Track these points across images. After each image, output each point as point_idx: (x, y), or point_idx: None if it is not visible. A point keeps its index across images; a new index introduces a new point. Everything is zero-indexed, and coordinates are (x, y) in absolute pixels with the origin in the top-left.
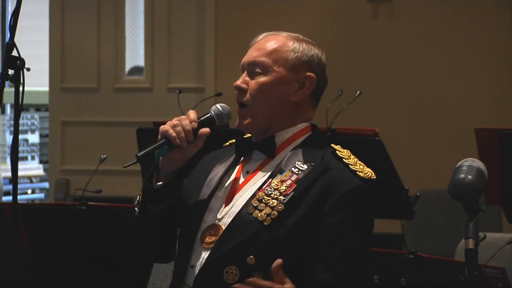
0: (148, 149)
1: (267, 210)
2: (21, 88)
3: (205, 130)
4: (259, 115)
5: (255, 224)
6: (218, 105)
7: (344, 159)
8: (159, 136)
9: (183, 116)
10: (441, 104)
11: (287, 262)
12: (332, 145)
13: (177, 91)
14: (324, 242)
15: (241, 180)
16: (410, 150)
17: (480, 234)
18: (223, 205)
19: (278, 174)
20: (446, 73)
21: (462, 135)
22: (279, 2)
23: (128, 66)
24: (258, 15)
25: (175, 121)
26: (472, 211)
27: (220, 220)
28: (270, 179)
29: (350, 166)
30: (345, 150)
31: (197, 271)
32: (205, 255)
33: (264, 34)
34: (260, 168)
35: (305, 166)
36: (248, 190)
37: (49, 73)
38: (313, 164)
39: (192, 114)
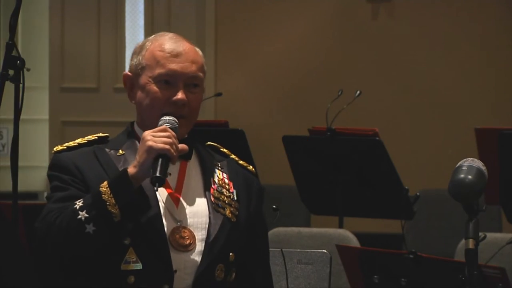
0: (163, 168)
1: (228, 207)
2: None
3: (185, 147)
4: (190, 126)
5: (227, 222)
6: (167, 119)
7: (230, 156)
8: (155, 154)
9: (168, 133)
10: (441, 104)
11: (250, 253)
12: (209, 143)
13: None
14: (258, 236)
15: (173, 181)
16: (410, 150)
17: (480, 234)
18: (174, 207)
19: (210, 173)
20: (446, 73)
21: (462, 135)
22: (279, 2)
23: (128, 65)
24: (258, 16)
25: (168, 139)
26: (472, 211)
27: (181, 222)
28: (210, 178)
29: (238, 161)
30: (218, 145)
31: (193, 275)
32: (188, 257)
33: (179, 42)
34: (183, 169)
35: (219, 163)
36: (192, 190)
37: (49, 73)
38: (220, 160)
39: (168, 129)
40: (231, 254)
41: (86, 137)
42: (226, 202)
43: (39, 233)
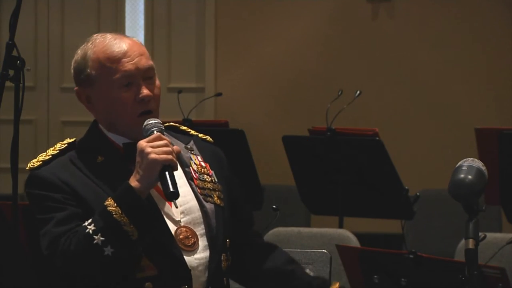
0: (173, 180)
1: (214, 193)
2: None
3: (178, 148)
4: (157, 114)
5: (218, 210)
6: (152, 123)
7: (190, 132)
8: (160, 166)
9: (165, 141)
10: (441, 104)
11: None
12: (167, 124)
13: (177, 91)
14: (239, 197)
15: None
16: (410, 150)
17: (480, 234)
18: (169, 208)
19: (186, 161)
20: (446, 73)
21: (462, 135)
22: (279, 2)
23: None
24: (258, 16)
25: (168, 148)
26: (472, 211)
27: (180, 221)
28: (189, 168)
29: (198, 136)
30: (177, 124)
31: (206, 272)
32: (196, 255)
33: (119, 39)
34: None
35: (189, 146)
36: (179, 185)
37: (49, 73)
38: (188, 143)
39: (163, 137)
40: (227, 241)
41: (57, 147)
42: (211, 188)
43: (54, 262)
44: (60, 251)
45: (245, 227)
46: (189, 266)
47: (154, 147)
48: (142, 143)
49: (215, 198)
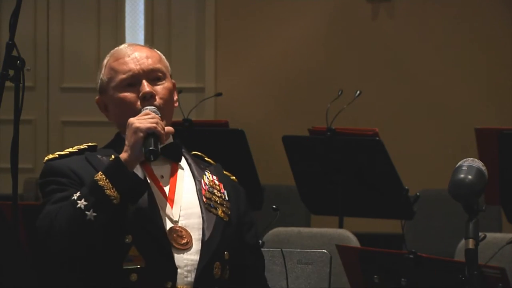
0: (155, 143)
1: (220, 207)
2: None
3: (171, 129)
4: (167, 120)
5: (220, 222)
6: (147, 107)
7: (212, 165)
8: (143, 133)
9: (152, 115)
10: (441, 104)
11: (238, 252)
12: (193, 152)
13: (177, 91)
14: (251, 231)
15: (166, 183)
16: (410, 150)
17: (480, 234)
18: (169, 207)
19: (199, 175)
20: (446, 73)
21: (462, 135)
22: (279, 2)
23: None
24: (258, 15)
25: (153, 119)
26: (472, 211)
27: (177, 222)
28: (200, 180)
29: (224, 172)
30: (203, 154)
31: (194, 273)
32: (187, 256)
33: (133, 46)
34: (174, 171)
35: (207, 168)
36: (185, 192)
37: (49, 73)
38: (207, 166)
39: (151, 112)
40: (226, 252)
41: (76, 146)
42: (218, 202)
43: (41, 231)
44: (47, 219)
45: (255, 273)
46: (176, 264)
47: (140, 119)
48: (131, 118)
49: (220, 211)
